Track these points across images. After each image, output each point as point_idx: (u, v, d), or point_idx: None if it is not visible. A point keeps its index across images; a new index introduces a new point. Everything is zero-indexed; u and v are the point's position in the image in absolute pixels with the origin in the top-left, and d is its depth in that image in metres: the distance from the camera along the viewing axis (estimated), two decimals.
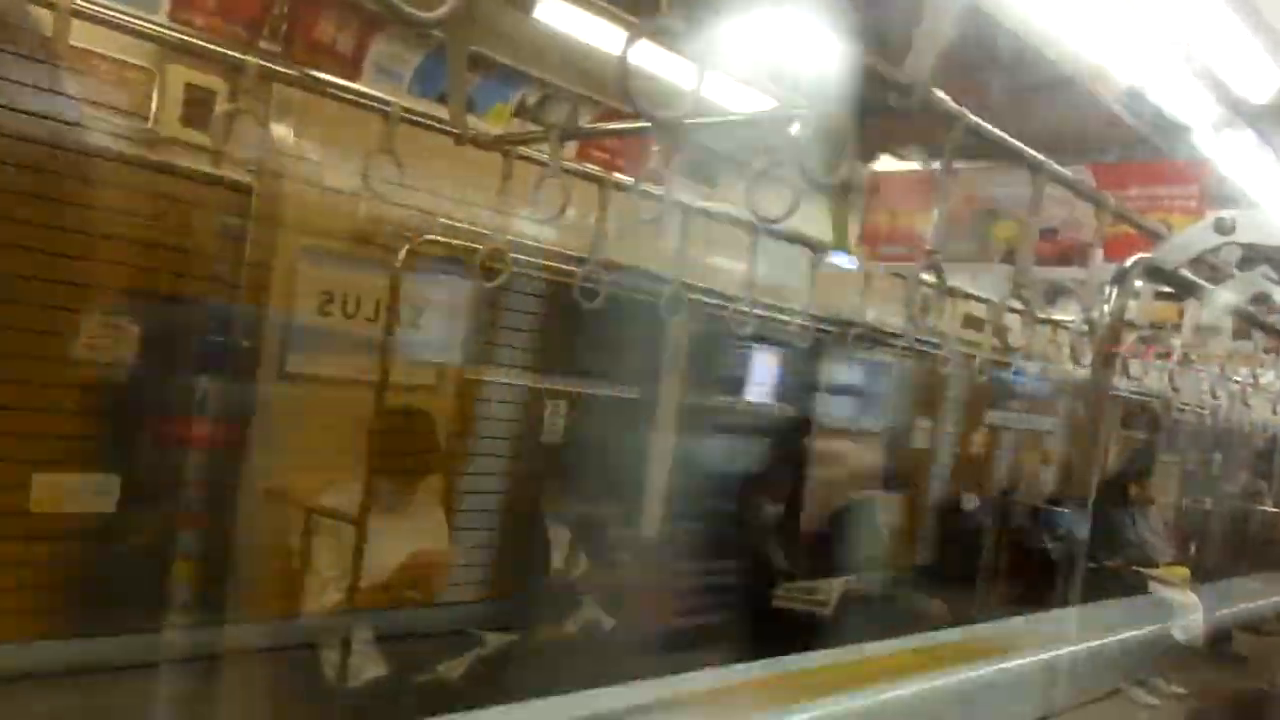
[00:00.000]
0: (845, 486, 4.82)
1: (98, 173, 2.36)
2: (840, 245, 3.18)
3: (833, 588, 3.87)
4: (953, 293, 4.13)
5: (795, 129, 1.55)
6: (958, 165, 1.82)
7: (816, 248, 3.12)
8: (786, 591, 3.88)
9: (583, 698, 1.16)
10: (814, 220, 3.13)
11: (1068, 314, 3.97)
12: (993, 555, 5.34)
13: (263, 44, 2.61)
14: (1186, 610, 5.45)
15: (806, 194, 1.51)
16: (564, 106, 3.21)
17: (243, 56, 2.27)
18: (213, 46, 2.32)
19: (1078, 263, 2.62)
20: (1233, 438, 7.55)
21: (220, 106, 2.44)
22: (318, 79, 2.47)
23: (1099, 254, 2.33)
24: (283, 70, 2.39)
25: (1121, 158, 3.11)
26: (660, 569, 3.79)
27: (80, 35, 2.14)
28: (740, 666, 1.40)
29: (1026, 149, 1.88)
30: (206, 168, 2.51)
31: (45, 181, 2.29)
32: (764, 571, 3.96)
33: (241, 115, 2.37)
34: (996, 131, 1.76)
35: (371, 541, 2.58)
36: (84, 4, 2.00)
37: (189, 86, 2.44)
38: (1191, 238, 1.77)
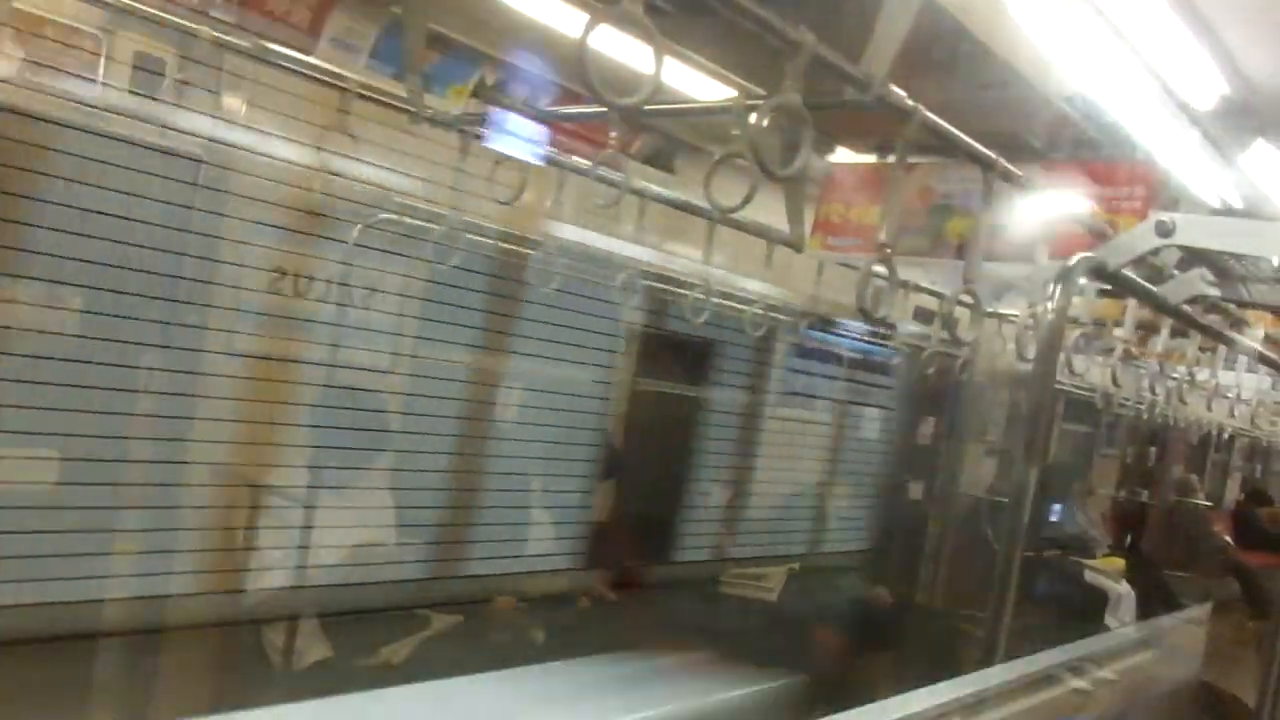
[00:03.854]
0: None
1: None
2: (796, 236, 3.20)
3: None
4: (904, 286, 4.18)
5: (753, 119, 1.56)
6: (913, 160, 1.84)
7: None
8: None
9: None
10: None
11: (1014, 309, 4.04)
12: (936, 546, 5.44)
13: (214, 14, 2.56)
14: (1120, 601, 5.62)
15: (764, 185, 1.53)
16: (523, 88, 3.18)
17: (195, 26, 2.22)
18: (164, 14, 2.26)
19: (1025, 258, 2.68)
20: (1168, 434, 7.78)
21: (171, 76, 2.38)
22: (272, 51, 2.42)
23: (1044, 251, 2.38)
24: (236, 41, 2.34)
25: (1071, 158, 3.18)
26: None
27: None
28: None
29: (978, 146, 1.91)
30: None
31: None
32: None
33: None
34: (950, 128, 1.79)
35: None
36: None
37: (138, 54, 2.37)
38: (1133, 239, 1.82)
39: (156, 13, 2.24)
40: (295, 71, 2.40)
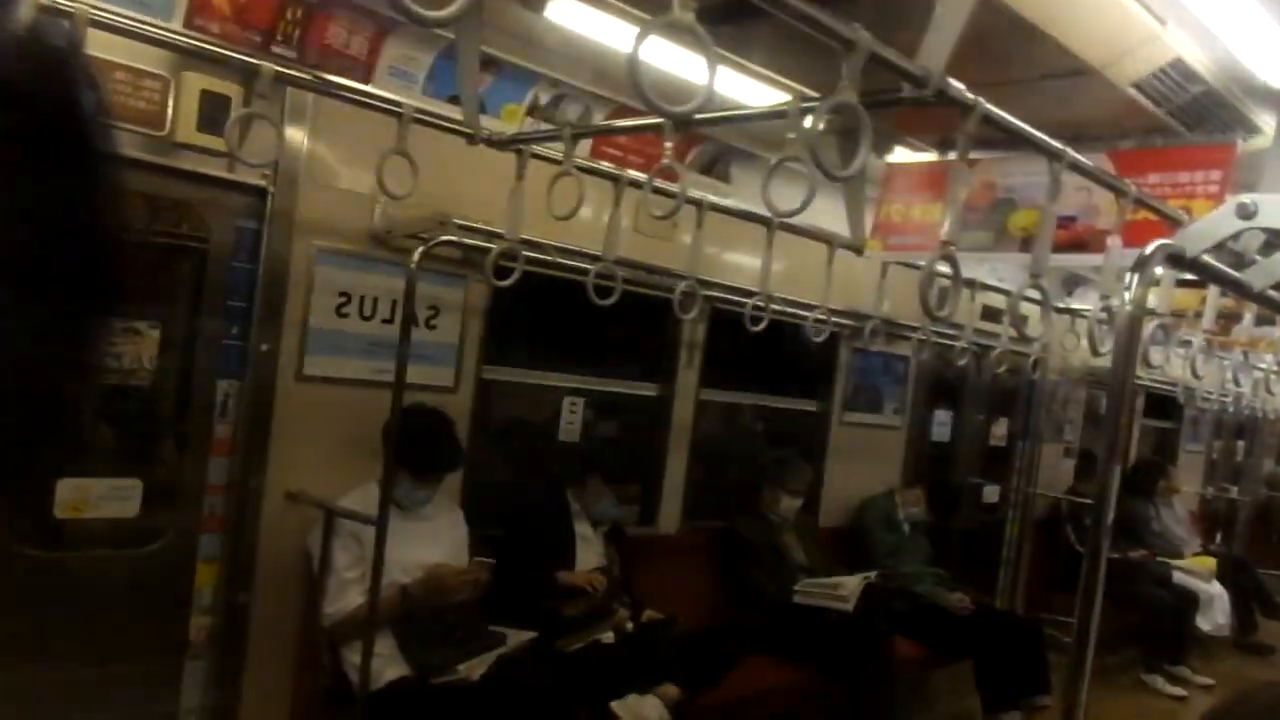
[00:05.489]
0: None
1: None
2: (857, 238, 3.15)
3: None
4: (970, 284, 4.09)
5: (809, 123, 1.54)
6: (975, 154, 1.80)
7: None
8: None
9: None
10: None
11: (1086, 303, 3.92)
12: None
13: (276, 49, 2.63)
14: (1213, 602, 5.38)
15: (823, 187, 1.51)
16: (577, 105, 3.20)
17: (257, 62, 2.27)
18: (227, 53, 2.33)
19: (1094, 249, 2.58)
20: (1256, 425, 7.46)
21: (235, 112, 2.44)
22: (331, 82, 2.47)
23: (1118, 242, 2.30)
24: (297, 74, 2.39)
25: (1141, 144, 3.07)
26: None
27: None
28: None
29: (1044, 137, 1.86)
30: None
31: None
32: None
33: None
34: (1013, 120, 1.74)
35: None
36: (101, 13, 2.01)
37: (204, 93, 2.44)
38: (1213, 223, 1.74)
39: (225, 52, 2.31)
40: (356, 101, 2.44)
